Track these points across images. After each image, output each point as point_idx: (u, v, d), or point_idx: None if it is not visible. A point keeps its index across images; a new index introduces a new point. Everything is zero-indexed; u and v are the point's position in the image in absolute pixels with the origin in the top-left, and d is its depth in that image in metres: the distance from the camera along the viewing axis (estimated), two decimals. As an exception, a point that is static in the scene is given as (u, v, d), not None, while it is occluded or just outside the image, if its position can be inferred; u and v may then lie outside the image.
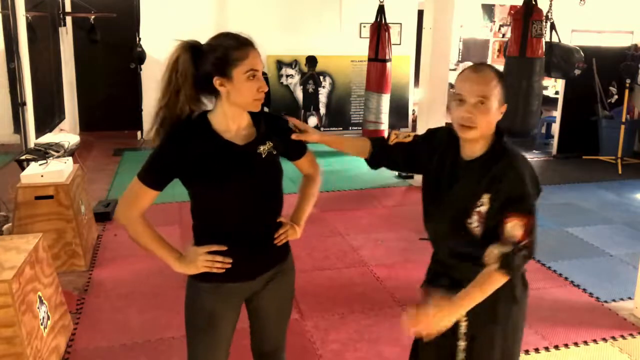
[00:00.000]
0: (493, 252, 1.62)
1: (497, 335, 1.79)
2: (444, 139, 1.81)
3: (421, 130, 6.14)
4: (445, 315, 1.60)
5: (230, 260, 1.78)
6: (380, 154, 1.97)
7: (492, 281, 1.63)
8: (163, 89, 1.73)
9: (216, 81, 1.69)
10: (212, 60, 1.69)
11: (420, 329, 1.60)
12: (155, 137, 1.78)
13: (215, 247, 1.79)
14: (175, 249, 1.88)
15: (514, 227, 1.59)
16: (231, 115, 1.76)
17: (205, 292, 1.85)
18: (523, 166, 1.66)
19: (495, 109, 1.66)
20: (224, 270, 1.79)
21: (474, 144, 1.70)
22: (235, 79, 1.68)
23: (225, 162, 1.75)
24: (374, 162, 2.00)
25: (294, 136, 1.90)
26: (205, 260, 1.79)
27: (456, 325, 1.71)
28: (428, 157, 1.83)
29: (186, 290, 1.92)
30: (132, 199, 1.78)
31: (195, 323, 1.90)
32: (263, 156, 1.80)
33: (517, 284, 1.82)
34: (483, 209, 1.65)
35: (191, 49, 1.71)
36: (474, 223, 1.68)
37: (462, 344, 1.77)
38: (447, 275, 1.82)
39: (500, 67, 5.69)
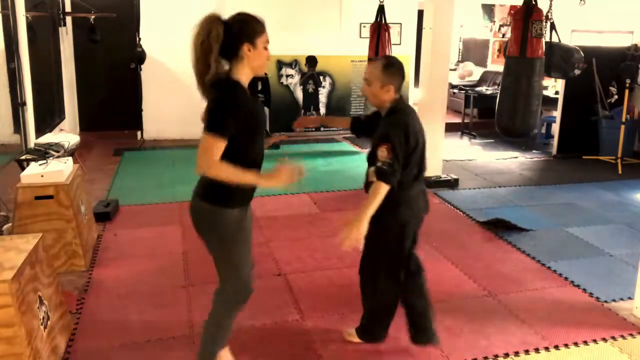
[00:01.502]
0: (371, 170, 2.56)
1: (372, 232, 2.62)
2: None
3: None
4: (355, 226, 2.47)
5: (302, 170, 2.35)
6: (357, 123, 3.02)
7: (376, 190, 2.51)
8: (198, 51, 2.14)
9: (245, 47, 2.20)
10: (243, 29, 2.19)
11: (349, 242, 2.50)
12: (204, 90, 2.20)
13: (291, 164, 2.30)
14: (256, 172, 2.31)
15: (381, 151, 2.51)
16: (247, 76, 2.27)
17: (237, 214, 2.36)
18: (396, 122, 2.60)
19: (377, 88, 2.64)
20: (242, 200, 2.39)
21: (382, 110, 2.72)
22: (258, 46, 2.22)
23: (259, 114, 2.36)
24: (354, 129, 3.04)
25: (296, 124, 3.01)
26: (290, 175, 2.28)
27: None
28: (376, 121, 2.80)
29: (217, 224, 2.33)
30: (213, 153, 2.13)
31: (239, 238, 2.39)
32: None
33: (386, 209, 2.58)
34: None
35: (220, 20, 2.17)
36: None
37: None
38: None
39: (500, 67, 5.69)
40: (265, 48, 2.25)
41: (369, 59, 6.91)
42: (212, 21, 2.14)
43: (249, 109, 2.23)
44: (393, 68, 2.63)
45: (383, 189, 2.50)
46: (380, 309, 2.95)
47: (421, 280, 2.96)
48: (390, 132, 2.54)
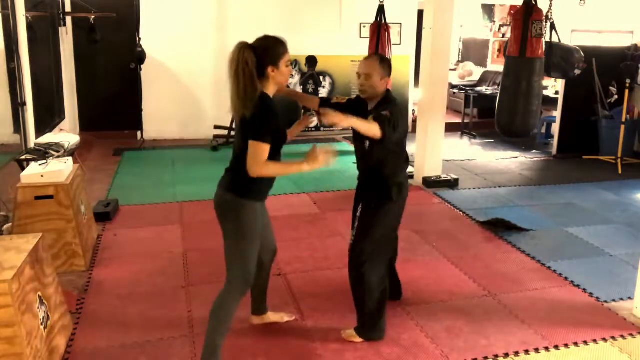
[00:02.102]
0: (370, 116, 2.81)
1: (372, 216, 2.98)
2: (361, 100, 3.05)
3: (420, 130, 6.14)
4: (342, 118, 2.62)
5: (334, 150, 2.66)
6: (327, 105, 3.10)
7: (368, 123, 2.72)
8: (241, 78, 2.45)
9: (269, 69, 2.54)
10: (267, 55, 2.52)
11: (328, 120, 2.60)
12: (246, 109, 2.49)
13: (327, 148, 2.59)
14: (297, 160, 2.60)
15: (380, 112, 2.79)
16: (272, 91, 2.61)
17: (259, 208, 2.67)
18: (392, 107, 2.84)
19: (377, 80, 2.89)
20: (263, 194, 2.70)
21: (371, 102, 2.97)
22: (281, 67, 2.56)
23: (282, 122, 2.60)
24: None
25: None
26: (324, 156, 2.57)
27: (356, 208, 3.05)
28: (356, 110, 2.97)
29: (239, 214, 2.59)
30: (262, 156, 2.48)
31: (254, 235, 2.65)
32: None
33: (394, 189, 2.94)
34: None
35: (249, 47, 2.50)
36: (366, 142, 2.88)
37: (356, 223, 3.03)
38: (361, 189, 3.11)
39: (500, 67, 5.69)
40: (287, 66, 2.58)
41: (368, 57, 6.90)
42: (244, 49, 2.47)
43: (280, 119, 2.58)
44: (386, 63, 2.96)
45: (375, 129, 2.69)
46: (376, 301, 3.02)
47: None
48: (390, 110, 2.82)
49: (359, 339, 3.04)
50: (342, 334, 3.09)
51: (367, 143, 2.89)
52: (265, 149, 2.49)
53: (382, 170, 2.96)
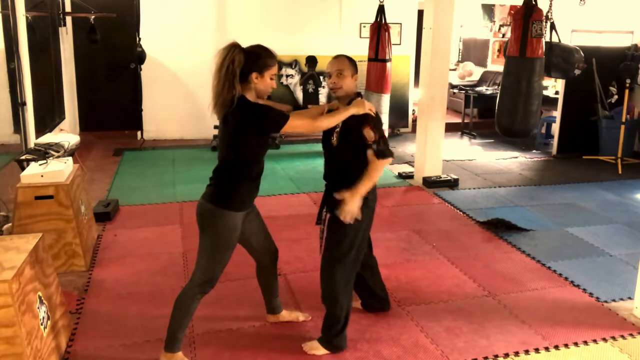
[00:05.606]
0: (369, 152, 2.74)
1: (347, 224, 2.77)
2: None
3: (420, 130, 6.15)
4: (354, 201, 2.65)
5: None
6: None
7: (376, 168, 2.73)
8: (223, 75, 2.50)
9: (254, 75, 2.56)
10: (255, 62, 2.55)
11: (346, 217, 2.66)
12: (220, 109, 2.58)
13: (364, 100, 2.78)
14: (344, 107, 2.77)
15: (367, 132, 2.74)
16: (253, 98, 2.62)
17: (239, 217, 2.67)
18: (372, 123, 2.76)
19: (349, 77, 2.84)
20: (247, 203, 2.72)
21: (344, 100, 2.87)
22: (265, 77, 2.59)
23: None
24: None
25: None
26: (369, 104, 2.76)
27: (321, 215, 2.95)
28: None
29: (217, 224, 2.62)
30: (303, 121, 2.67)
31: (230, 244, 2.68)
32: None
33: (369, 193, 2.80)
34: (337, 129, 2.82)
35: (241, 48, 2.54)
36: (334, 138, 2.85)
37: (324, 229, 2.92)
38: (328, 192, 2.91)
39: (500, 67, 5.69)
40: (272, 78, 2.62)
41: (369, 59, 6.90)
42: (235, 49, 2.52)
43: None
44: (353, 61, 2.90)
45: (382, 166, 2.75)
46: (346, 309, 2.90)
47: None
48: (369, 117, 2.78)
49: (323, 351, 2.91)
50: (303, 347, 2.96)
51: (334, 138, 2.82)
52: (293, 121, 2.56)
53: (352, 172, 2.76)
